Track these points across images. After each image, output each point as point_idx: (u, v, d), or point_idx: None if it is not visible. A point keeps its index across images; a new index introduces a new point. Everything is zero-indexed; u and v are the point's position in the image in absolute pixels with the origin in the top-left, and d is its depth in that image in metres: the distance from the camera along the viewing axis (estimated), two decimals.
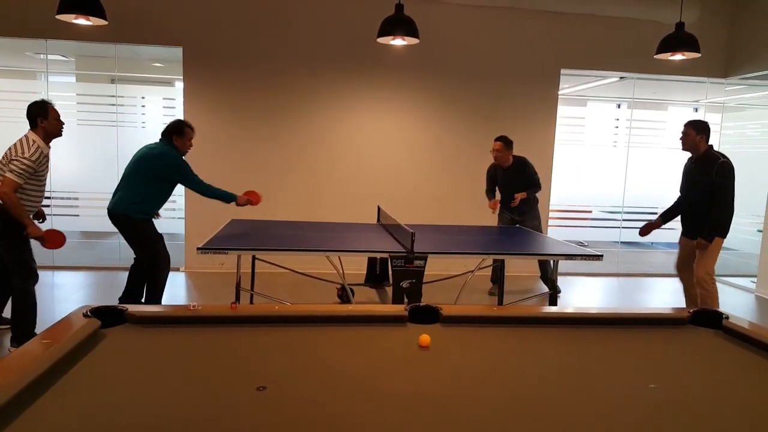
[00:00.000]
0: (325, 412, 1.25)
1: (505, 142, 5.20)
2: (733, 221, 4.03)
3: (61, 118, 3.72)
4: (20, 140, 3.57)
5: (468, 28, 6.18)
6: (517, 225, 5.37)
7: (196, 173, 4.10)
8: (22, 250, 3.61)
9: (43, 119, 3.59)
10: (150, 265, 4.15)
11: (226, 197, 4.15)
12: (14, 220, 3.49)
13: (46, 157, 3.65)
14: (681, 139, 4.08)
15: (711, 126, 4.08)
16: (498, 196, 5.45)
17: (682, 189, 4.20)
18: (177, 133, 4.09)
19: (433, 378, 1.47)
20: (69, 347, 1.48)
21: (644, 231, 4.32)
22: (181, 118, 5.90)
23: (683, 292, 4.38)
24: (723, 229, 3.97)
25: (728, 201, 3.91)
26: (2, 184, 3.43)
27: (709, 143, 4.03)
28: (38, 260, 3.86)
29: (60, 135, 3.74)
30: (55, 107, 3.69)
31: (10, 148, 3.56)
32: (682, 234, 4.25)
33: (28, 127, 3.64)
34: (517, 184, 5.25)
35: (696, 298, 4.14)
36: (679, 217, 4.29)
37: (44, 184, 3.72)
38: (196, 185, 4.09)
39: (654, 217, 4.35)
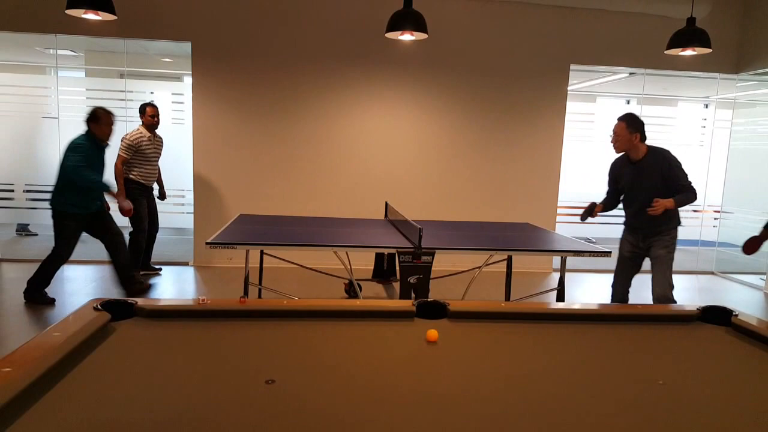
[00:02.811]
0: (332, 405, 1.26)
1: (628, 123, 3.63)
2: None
3: (113, 120, 4.54)
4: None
5: (477, 23, 6.15)
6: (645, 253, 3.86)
7: (83, 165, 4.28)
8: (137, 211, 5.07)
9: (142, 115, 5.16)
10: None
11: (100, 187, 4.39)
12: (137, 190, 5.08)
13: (149, 140, 5.17)
14: None
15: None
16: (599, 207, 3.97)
17: None
18: (92, 120, 4.39)
19: (441, 373, 1.47)
20: (79, 340, 1.49)
21: (751, 248, 3.74)
22: (191, 112, 5.95)
23: None
24: None
25: None
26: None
27: None
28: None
29: (152, 129, 5.22)
30: (153, 106, 5.19)
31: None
32: None
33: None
34: (647, 187, 3.65)
35: None
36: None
37: (153, 162, 5.22)
38: (74, 170, 4.26)
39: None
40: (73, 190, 4.31)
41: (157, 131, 5.39)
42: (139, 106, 5.24)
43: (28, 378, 1.23)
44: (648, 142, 3.73)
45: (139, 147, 5.08)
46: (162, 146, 5.43)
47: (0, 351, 3.53)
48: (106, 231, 4.57)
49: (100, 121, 4.34)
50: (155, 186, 5.46)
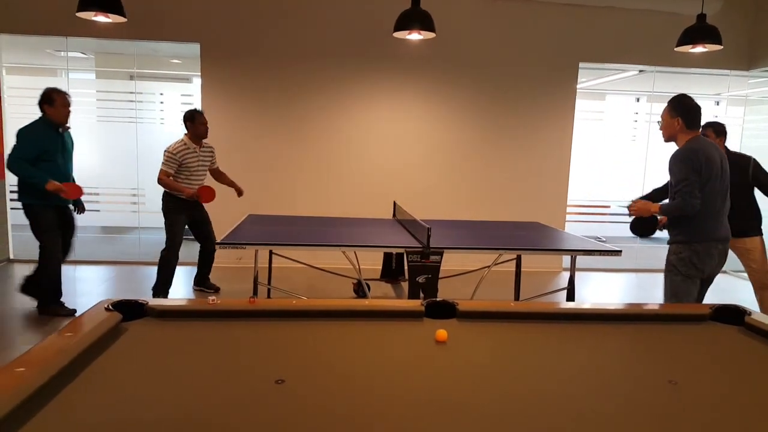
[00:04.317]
0: (341, 405, 1.26)
1: (672, 105, 3.13)
2: (754, 215, 3.96)
3: (201, 122, 4.58)
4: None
5: (485, 22, 6.13)
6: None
7: (25, 156, 3.89)
8: (170, 227, 4.58)
9: (191, 124, 4.57)
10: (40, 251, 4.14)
11: (36, 180, 3.90)
12: (170, 205, 4.54)
13: (194, 151, 4.59)
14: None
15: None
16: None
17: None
18: (46, 102, 4.01)
19: (450, 373, 1.47)
20: (91, 340, 1.51)
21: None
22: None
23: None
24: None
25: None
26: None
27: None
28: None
29: (199, 139, 4.64)
30: (200, 113, 4.62)
31: None
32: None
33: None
34: (672, 184, 3.20)
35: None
36: None
37: (196, 175, 4.64)
38: (11, 161, 3.88)
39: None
40: (26, 182, 3.97)
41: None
42: (185, 113, 4.60)
43: (41, 378, 1.24)
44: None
45: (182, 160, 4.50)
46: (210, 156, 4.82)
47: (13, 352, 3.57)
48: (63, 233, 4.25)
49: (54, 103, 3.98)
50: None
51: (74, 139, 4.38)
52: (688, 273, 3.08)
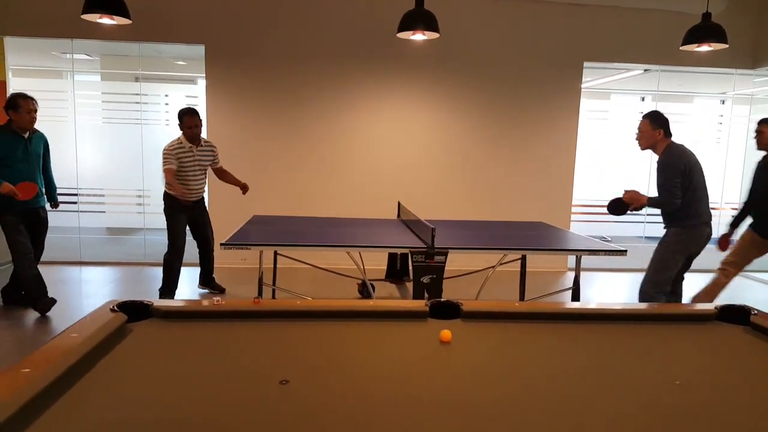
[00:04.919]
0: (345, 406, 1.26)
1: (652, 119, 3.73)
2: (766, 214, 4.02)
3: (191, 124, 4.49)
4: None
5: (489, 22, 6.13)
6: None
7: None
8: (170, 229, 4.57)
9: (180, 124, 4.53)
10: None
11: None
12: (171, 206, 4.54)
13: (190, 150, 4.55)
14: (756, 138, 4.16)
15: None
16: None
17: (760, 187, 4.13)
18: (11, 107, 3.99)
19: (454, 374, 1.47)
20: (96, 341, 1.51)
21: (724, 245, 4.32)
22: (204, 114, 5.97)
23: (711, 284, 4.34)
24: None
25: None
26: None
27: None
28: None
29: (193, 140, 4.56)
30: (190, 116, 4.49)
31: None
32: (755, 231, 4.20)
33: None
34: (658, 184, 3.76)
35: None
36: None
37: (192, 175, 4.61)
38: None
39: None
40: None
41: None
42: (178, 112, 4.56)
43: (47, 379, 1.24)
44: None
45: (176, 158, 4.49)
46: (211, 155, 4.76)
47: (19, 353, 3.58)
48: (36, 232, 4.29)
49: (19, 108, 3.95)
50: (205, 197, 4.90)
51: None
52: (679, 250, 3.73)
